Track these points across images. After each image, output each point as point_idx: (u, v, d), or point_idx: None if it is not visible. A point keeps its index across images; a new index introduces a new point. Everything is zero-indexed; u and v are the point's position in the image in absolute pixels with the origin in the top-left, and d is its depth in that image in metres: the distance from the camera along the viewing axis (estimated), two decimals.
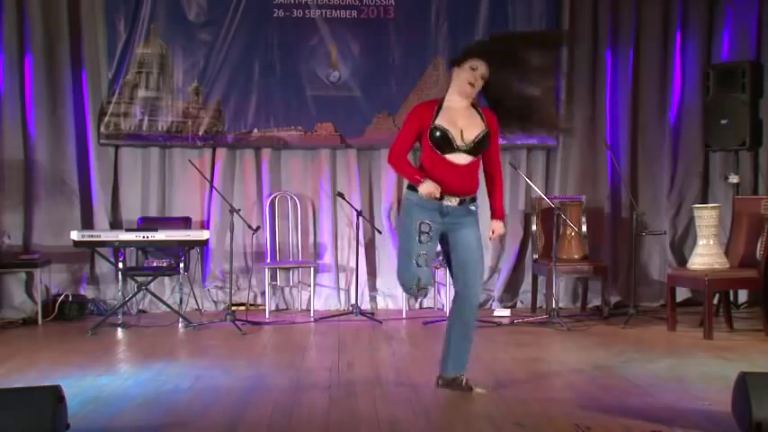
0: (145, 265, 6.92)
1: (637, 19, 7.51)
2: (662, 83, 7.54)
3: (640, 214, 6.68)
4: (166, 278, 7.11)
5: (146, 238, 6.27)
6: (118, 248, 6.68)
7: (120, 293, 6.81)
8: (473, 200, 4.18)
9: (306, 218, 7.45)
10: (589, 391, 4.36)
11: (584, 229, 7.15)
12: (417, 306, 7.40)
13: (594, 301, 7.25)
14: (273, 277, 7.26)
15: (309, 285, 7.11)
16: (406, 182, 4.26)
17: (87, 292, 7.11)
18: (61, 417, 3.40)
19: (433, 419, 3.88)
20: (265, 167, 7.39)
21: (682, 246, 7.56)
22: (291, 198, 7.37)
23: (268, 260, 7.26)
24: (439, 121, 4.08)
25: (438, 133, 4.05)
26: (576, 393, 4.30)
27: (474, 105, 4.19)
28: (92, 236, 6.26)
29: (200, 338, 6.08)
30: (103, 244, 6.38)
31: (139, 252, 7.08)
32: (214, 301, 7.30)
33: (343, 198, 6.97)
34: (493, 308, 7.19)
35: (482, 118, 4.16)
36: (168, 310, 6.71)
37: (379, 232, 7.18)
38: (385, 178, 7.41)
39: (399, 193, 7.17)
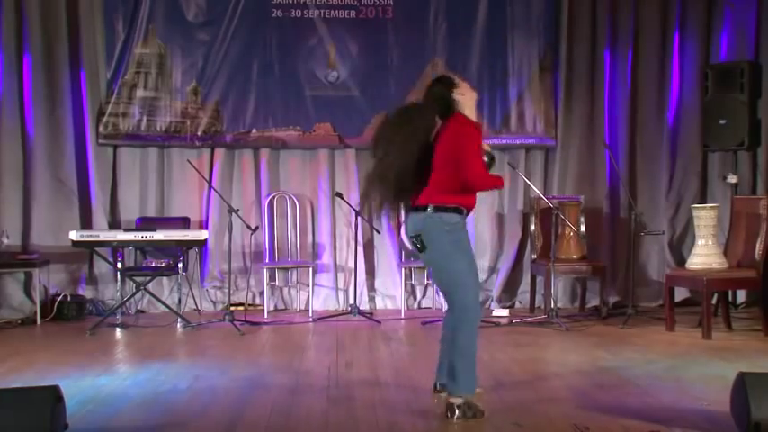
0: (143, 265, 6.92)
1: (635, 19, 7.50)
2: (660, 83, 7.54)
3: (639, 214, 6.68)
4: (165, 278, 7.11)
5: (144, 239, 6.27)
6: (116, 248, 6.69)
7: (118, 293, 6.81)
8: None
9: (304, 218, 7.45)
10: (588, 391, 4.36)
11: (582, 229, 7.16)
12: (416, 306, 7.41)
13: (593, 301, 7.25)
14: (272, 277, 7.25)
15: (308, 285, 7.10)
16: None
17: (86, 292, 7.11)
18: (60, 417, 3.41)
19: (431, 419, 3.88)
20: (264, 167, 7.39)
21: (680, 246, 7.55)
22: (290, 198, 7.37)
23: (266, 260, 7.26)
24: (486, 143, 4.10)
25: (496, 155, 4.08)
26: (574, 393, 4.30)
27: None
28: (90, 236, 6.27)
29: (199, 339, 6.08)
30: (102, 244, 6.39)
31: (138, 252, 7.08)
32: (212, 302, 7.30)
33: (342, 198, 6.97)
34: (491, 308, 7.19)
35: None
36: (167, 310, 6.72)
37: (378, 232, 7.17)
38: None
39: None
